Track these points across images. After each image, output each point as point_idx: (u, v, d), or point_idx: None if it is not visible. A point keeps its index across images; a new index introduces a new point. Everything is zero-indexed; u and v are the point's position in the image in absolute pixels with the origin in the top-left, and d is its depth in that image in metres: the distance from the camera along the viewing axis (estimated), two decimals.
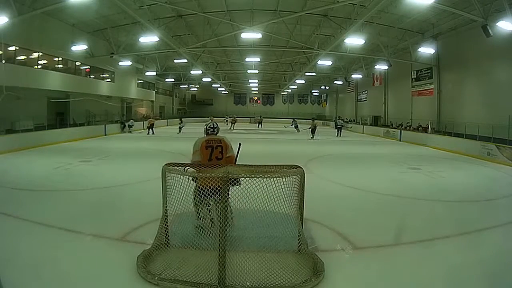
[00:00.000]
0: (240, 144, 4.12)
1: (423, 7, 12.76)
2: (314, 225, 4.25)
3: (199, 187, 3.25)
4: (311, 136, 18.47)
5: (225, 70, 31.04)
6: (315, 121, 19.32)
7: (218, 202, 2.91)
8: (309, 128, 19.20)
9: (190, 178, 3.18)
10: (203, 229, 3.22)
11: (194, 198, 3.40)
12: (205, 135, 3.87)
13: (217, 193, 2.89)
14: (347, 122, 30.83)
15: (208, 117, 25.66)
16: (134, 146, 14.23)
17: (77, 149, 12.41)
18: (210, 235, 3.06)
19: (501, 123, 12.09)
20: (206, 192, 2.97)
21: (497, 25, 11.09)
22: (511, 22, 10.68)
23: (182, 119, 25.16)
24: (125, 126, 21.17)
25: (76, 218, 4.45)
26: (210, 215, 3.40)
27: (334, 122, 23.83)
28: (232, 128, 26.29)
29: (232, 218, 3.23)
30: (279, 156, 11.36)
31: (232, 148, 3.84)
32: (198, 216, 3.55)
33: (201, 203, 3.41)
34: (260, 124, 29.25)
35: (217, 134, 3.91)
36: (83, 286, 2.83)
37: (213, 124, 3.89)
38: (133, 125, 21.74)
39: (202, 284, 2.74)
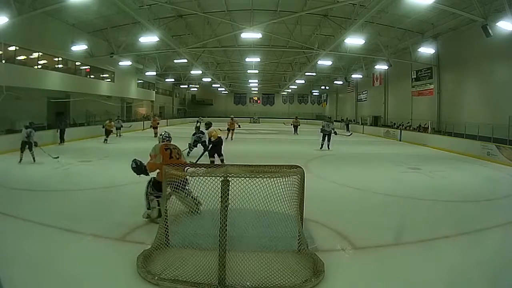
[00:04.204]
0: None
1: (423, 7, 12.76)
2: (314, 225, 4.25)
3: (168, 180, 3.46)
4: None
5: (225, 70, 31.02)
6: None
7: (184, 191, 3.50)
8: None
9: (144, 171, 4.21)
10: (151, 218, 4.02)
11: (149, 191, 4.29)
12: (161, 142, 4.55)
13: (185, 183, 3.46)
14: (349, 123, 26.85)
15: (198, 117, 21.60)
16: (134, 146, 14.19)
17: (77, 149, 12.40)
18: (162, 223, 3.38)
19: (501, 123, 12.12)
20: (178, 183, 3.32)
21: (497, 25, 11.09)
22: (511, 22, 10.67)
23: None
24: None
25: (76, 218, 4.45)
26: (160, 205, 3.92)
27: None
28: (230, 137, 15.71)
29: (198, 206, 3.41)
30: (279, 156, 11.36)
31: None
32: (148, 207, 4.31)
33: (154, 195, 4.24)
34: (296, 129, 22.27)
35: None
36: (83, 286, 2.83)
37: (168, 134, 4.75)
38: (121, 127, 17.79)
39: (202, 284, 2.74)
